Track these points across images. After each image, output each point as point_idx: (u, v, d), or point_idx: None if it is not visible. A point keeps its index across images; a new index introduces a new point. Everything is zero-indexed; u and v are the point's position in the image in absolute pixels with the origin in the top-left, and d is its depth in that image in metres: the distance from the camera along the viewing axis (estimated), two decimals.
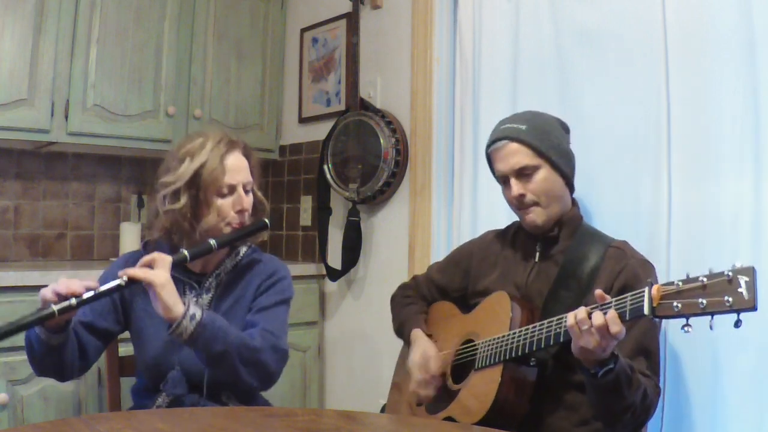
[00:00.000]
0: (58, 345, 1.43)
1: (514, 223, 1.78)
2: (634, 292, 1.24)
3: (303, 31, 3.07)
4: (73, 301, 1.34)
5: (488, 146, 1.68)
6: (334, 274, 2.79)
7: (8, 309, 2.06)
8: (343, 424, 1.33)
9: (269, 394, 1.77)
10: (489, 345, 1.54)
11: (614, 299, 1.27)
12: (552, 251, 1.63)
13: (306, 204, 3.05)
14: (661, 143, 1.80)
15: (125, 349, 1.79)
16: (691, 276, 1.15)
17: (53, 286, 1.36)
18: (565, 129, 1.70)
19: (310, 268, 2.88)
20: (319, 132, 2.89)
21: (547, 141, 1.60)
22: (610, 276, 1.52)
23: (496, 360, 1.50)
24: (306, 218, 3.05)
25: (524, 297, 1.62)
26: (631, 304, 1.23)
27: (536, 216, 1.61)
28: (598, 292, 1.29)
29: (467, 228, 2.30)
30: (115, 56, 2.60)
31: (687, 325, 1.14)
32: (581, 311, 1.28)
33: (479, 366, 1.55)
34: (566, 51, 2.06)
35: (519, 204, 1.62)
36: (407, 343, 1.80)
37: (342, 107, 2.83)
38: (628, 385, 1.33)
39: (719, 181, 1.70)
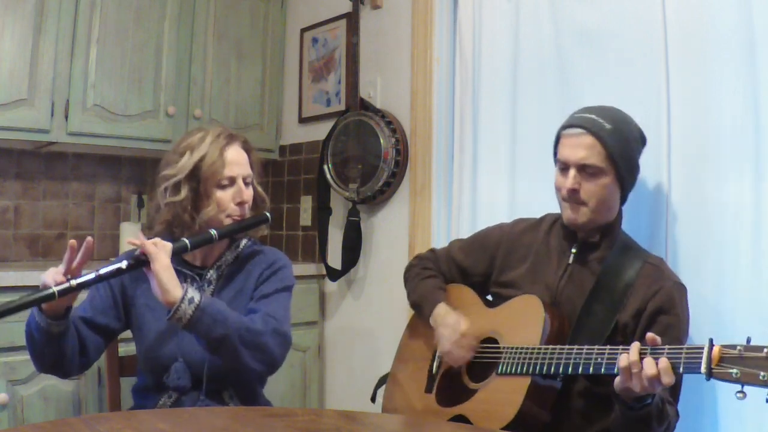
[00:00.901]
0: (58, 333, 1.44)
1: (547, 216, 1.75)
2: (690, 346, 1.22)
3: (303, 31, 3.07)
4: (73, 282, 1.36)
5: (563, 128, 1.61)
6: (334, 274, 2.79)
7: None
8: (343, 424, 1.33)
9: (270, 394, 1.77)
10: (516, 352, 1.50)
11: (668, 347, 1.24)
12: (589, 257, 1.60)
13: (306, 204, 3.05)
14: (661, 143, 1.80)
15: (125, 349, 1.79)
16: (753, 343, 1.13)
17: (53, 269, 1.38)
18: (643, 142, 1.63)
19: (310, 268, 2.88)
20: (319, 132, 2.89)
21: (623, 150, 1.54)
22: (644, 295, 1.49)
23: (523, 371, 1.46)
24: (306, 218, 3.05)
25: (553, 302, 1.58)
26: (687, 358, 1.20)
27: (579, 215, 1.57)
28: (650, 335, 1.27)
29: (467, 228, 2.30)
30: (115, 56, 2.60)
31: (741, 392, 1.11)
32: (634, 352, 1.25)
33: (503, 371, 1.51)
34: (566, 51, 2.06)
35: (568, 196, 1.57)
36: (425, 317, 1.73)
37: (342, 107, 2.83)
38: (659, 419, 1.33)
39: (719, 181, 1.70)
